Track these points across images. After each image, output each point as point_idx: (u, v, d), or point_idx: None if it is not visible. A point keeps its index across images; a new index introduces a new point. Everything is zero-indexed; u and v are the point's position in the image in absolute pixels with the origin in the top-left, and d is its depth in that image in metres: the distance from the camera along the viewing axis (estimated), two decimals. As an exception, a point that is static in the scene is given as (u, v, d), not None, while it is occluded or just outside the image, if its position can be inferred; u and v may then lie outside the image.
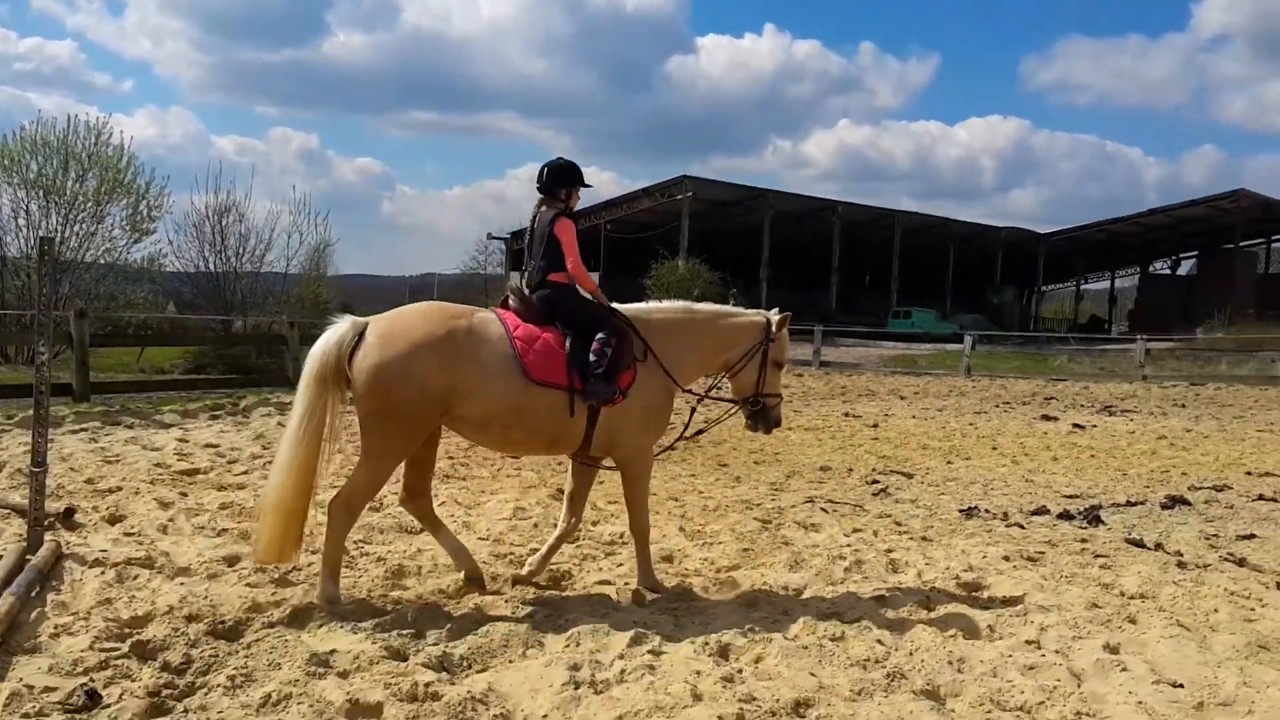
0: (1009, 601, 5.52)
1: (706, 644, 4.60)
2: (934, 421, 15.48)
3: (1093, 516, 8.10)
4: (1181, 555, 6.84)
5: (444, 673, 4.22)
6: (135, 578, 5.27)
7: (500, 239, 62.73)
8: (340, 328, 5.03)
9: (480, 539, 6.54)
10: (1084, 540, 7.18)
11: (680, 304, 5.92)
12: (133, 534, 6.27)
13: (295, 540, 5.05)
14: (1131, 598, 5.69)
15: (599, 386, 5.21)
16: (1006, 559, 6.50)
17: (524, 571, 5.70)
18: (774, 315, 5.87)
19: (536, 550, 6.02)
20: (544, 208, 5.55)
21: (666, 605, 5.28)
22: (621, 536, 6.66)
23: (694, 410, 6.09)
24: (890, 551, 6.60)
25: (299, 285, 26.75)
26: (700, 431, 6.13)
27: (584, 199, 5.83)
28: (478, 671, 4.29)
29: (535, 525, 6.96)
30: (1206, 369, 27.60)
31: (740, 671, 4.34)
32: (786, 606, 5.30)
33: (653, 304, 5.88)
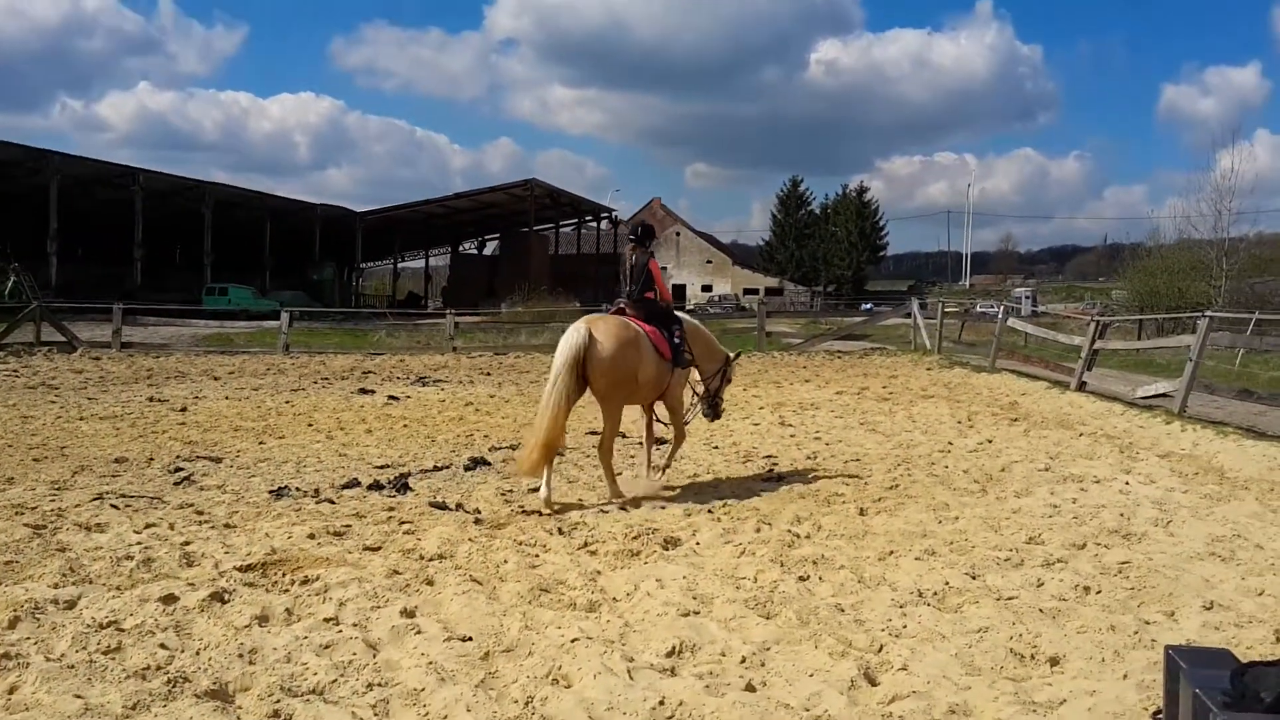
0: (308, 581, 5.36)
1: (-65, 686, 3.77)
2: (249, 401, 14.88)
3: (401, 484, 8.32)
4: (479, 513, 7.28)
5: None
6: None
7: None
8: (581, 330, 7.63)
9: None
10: (391, 509, 7.31)
11: (691, 320, 9.26)
12: None
13: (545, 463, 7.42)
14: (431, 559, 5.87)
15: (683, 358, 8.42)
16: (312, 536, 6.33)
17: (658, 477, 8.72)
18: (733, 355, 9.50)
19: None
20: (635, 250, 8.52)
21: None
22: None
23: (693, 402, 9.24)
24: (187, 544, 6.06)
25: None
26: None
27: None
28: None
29: None
30: (509, 340, 30.37)
31: (-18, 712, 3.62)
32: (55, 622, 4.56)
33: (683, 314, 9.19)
